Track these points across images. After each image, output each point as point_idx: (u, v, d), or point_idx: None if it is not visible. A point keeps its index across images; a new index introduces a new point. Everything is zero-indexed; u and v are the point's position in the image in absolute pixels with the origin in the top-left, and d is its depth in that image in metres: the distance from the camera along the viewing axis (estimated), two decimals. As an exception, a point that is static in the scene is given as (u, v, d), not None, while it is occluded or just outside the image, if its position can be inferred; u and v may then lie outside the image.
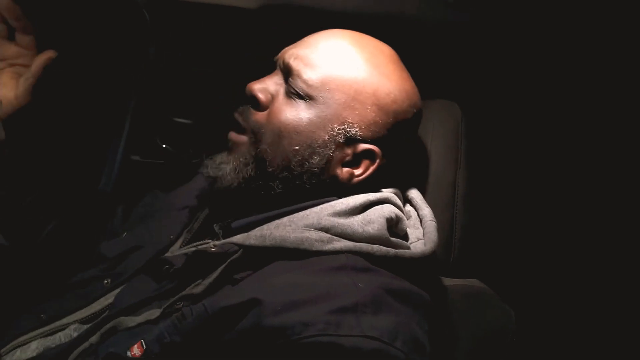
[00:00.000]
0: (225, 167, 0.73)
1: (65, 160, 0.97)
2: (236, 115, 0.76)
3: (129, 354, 0.61)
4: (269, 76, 0.76)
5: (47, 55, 0.79)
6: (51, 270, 0.90)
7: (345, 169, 0.72)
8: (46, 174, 0.90)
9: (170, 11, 1.08)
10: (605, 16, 0.89)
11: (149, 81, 1.17)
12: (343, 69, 0.71)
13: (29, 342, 0.75)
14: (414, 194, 0.79)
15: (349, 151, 0.71)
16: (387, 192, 0.74)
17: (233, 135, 0.75)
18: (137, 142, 1.18)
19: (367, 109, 0.70)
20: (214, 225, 0.76)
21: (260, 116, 0.73)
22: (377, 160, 0.72)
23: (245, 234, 0.68)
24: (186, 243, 0.79)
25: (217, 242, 0.69)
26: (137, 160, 1.18)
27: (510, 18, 0.94)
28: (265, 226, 0.68)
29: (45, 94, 0.82)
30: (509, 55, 1.10)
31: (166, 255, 0.76)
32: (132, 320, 0.67)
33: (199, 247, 0.71)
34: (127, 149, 1.17)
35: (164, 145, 1.19)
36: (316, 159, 0.70)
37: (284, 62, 0.73)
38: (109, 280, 0.78)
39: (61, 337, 0.74)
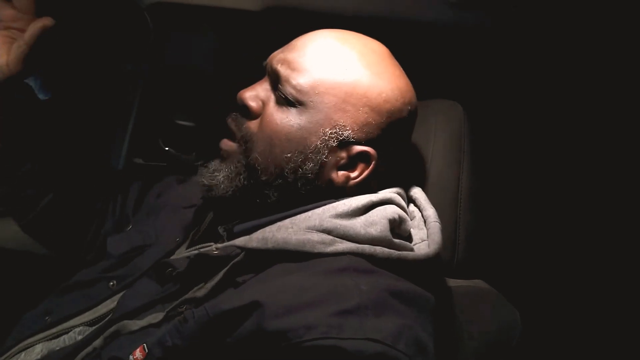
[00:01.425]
0: (219, 175, 0.72)
1: (64, 133, 0.95)
2: (229, 121, 0.75)
3: (131, 358, 0.61)
4: (259, 82, 0.75)
5: (43, 22, 0.76)
6: (55, 261, 0.90)
7: (341, 173, 0.71)
8: (43, 145, 0.88)
9: (172, 14, 1.08)
10: (607, 16, 0.88)
11: (151, 84, 1.17)
12: (332, 71, 0.69)
13: (34, 344, 0.75)
14: (418, 194, 0.78)
15: (343, 154, 0.70)
16: (390, 193, 0.73)
17: (224, 143, 0.74)
18: (140, 145, 1.18)
19: (359, 110, 0.69)
20: (219, 227, 0.75)
21: (252, 124, 0.72)
22: (373, 162, 0.71)
23: (248, 236, 0.68)
24: (192, 246, 0.79)
25: (219, 245, 0.69)
26: (140, 164, 1.19)
27: (513, 18, 0.94)
28: (267, 228, 0.68)
29: (38, 63, 0.79)
30: (511, 55, 1.10)
31: (170, 257, 0.76)
32: (135, 324, 0.67)
33: (201, 250, 0.70)
34: (137, 126, 1.17)
35: (167, 148, 1.19)
36: (309, 165, 0.69)
37: (272, 67, 0.72)
38: (115, 283, 0.78)
39: (66, 340, 0.74)
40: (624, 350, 1.17)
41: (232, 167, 0.71)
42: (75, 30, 1.07)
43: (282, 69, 0.70)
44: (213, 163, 0.74)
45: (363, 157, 0.71)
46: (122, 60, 1.18)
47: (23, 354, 0.74)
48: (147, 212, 0.92)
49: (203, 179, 0.74)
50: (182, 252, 0.78)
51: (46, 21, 0.77)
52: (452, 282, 0.83)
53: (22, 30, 0.78)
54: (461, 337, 0.80)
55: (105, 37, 1.15)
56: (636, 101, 1.10)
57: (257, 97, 0.73)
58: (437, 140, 0.84)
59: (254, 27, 1.08)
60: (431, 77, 0.82)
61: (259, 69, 0.79)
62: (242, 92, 0.74)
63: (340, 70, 0.69)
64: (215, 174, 0.72)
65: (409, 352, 0.55)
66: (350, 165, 0.71)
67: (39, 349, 0.74)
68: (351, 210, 0.67)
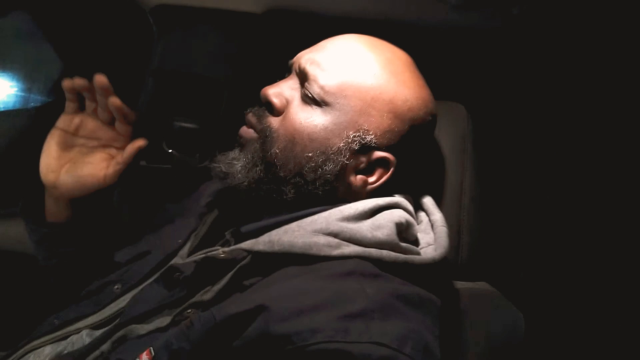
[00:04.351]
0: (237, 164, 0.72)
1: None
2: (249, 115, 0.75)
3: (137, 361, 0.61)
4: (283, 80, 0.75)
5: (138, 144, 0.82)
6: (68, 282, 0.91)
7: (359, 177, 0.71)
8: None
9: (175, 16, 1.08)
10: (612, 17, 0.88)
11: (154, 86, 1.17)
12: (360, 75, 0.70)
13: (42, 346, 0.75)
14: (426, 198, 0.78)
15: (363, 159, 0.70)
16: (397, 197, 0.73)
17: (244, 130, 0.75)
18: (143, 147, 1.18)
19: (384, 116, 0.69)
20: (226, 232, 0.75)
21: (274, 120, 0.72)
22: (392, 168, 0.71)
23: (254, 239, 0.68)
24: (194, 247, 0.79)
25: (225, 249, 0.69)
26: (143, 166, 1.19)
27: (514, 19, 0.94)
28: (274, 232, 0.68)
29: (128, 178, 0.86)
30: (514, 56, 1.10)
31: (175, 261, 0.77)
32: (143, 328, 0.67)
33: (208, 254, 0.70)
34: (140, 129, 1.17)
35: (171, 150, 1.19)
36: (330, 166, 0.69)
37: (300, 66, 0.72)
38: (119, 286, 0.78)
39: (74, 343, 0.74)
40: (628, 354, 1.17)
41: (249, 157, 0.71)
42: (79, 32, 1.08)
43: (310, 68, 0.70)
44: (232, 152, 0.74)
45: (382, 162, 0.71)
46: (125, 63, 1.19)
47: (32, 355, 0.75)
48: (152, 230, 0.91)
49: (220, 165, 0.73)
50: (185, 253, 0.78)
51: (140, 142, 0.82)
52: (457, 284, 0.83)
53: (118, 149, 0.83)
54: (465, 339, 0.80)
55: (108, 39, 1.15)
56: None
57: (281, 94, 0.73)
58: (440, 142, 0.85)
59: (256, 29, 1.08)
60: (434, 79, 0.82)
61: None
62: (265, 88, 0.74)
63: (368, 75, 0.70)
64: (234, 162, 0.72)
65: (415, 356, 0.55)
66: (368, 170, 0.72)
67: (48, 351, 0.74)
68: (358, 214, 0.68)
